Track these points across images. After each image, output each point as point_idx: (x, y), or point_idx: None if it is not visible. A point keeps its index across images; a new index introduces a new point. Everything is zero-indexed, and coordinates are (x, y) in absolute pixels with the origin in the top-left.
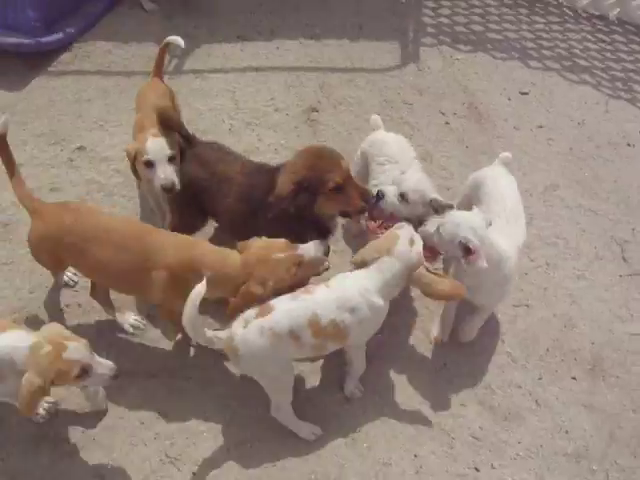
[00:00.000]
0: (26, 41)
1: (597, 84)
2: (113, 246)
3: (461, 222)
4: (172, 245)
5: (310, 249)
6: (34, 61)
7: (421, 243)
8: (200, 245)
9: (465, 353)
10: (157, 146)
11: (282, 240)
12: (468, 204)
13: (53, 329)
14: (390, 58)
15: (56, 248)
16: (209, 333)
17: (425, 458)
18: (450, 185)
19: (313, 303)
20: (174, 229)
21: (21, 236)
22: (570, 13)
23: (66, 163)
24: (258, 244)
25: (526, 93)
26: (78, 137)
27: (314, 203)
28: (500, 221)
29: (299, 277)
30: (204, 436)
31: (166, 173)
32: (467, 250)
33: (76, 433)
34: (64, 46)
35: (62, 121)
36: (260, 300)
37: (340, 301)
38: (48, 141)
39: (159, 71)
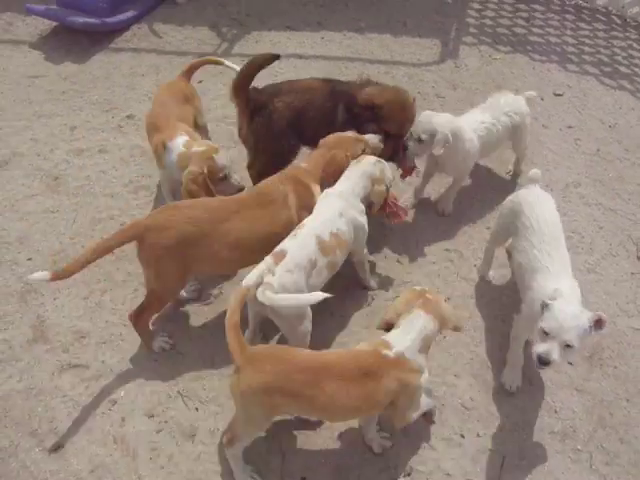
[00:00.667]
0: (93, 21)
1: (635, 90)
2: (243, 220)
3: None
4: (276, 180)
5: (370, 137)
6: (97, 37)
7: (389, 171)
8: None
9: (464, 328)
10: (228, 161)
11: (351, 132)
12: (506, 234)
13: None
14: (429, 54)
15: (183, 252)
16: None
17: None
18: (470, 174)
19: (310, 230)
20: (261, 170)
21: (68, 189)
22: (618, 21)
23: (115, 129)
24: (334, 135)
25: (560, 95)
26: (129, 107)
27: (369, 123)
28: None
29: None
30: (211, 377)
31: (237, 178)
32: (598, 322)
33: (97, 363)
34: (126, 26)
35: (115, 92)
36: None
37: (329, 213)
38: (101, 108)
39: (190, 73)
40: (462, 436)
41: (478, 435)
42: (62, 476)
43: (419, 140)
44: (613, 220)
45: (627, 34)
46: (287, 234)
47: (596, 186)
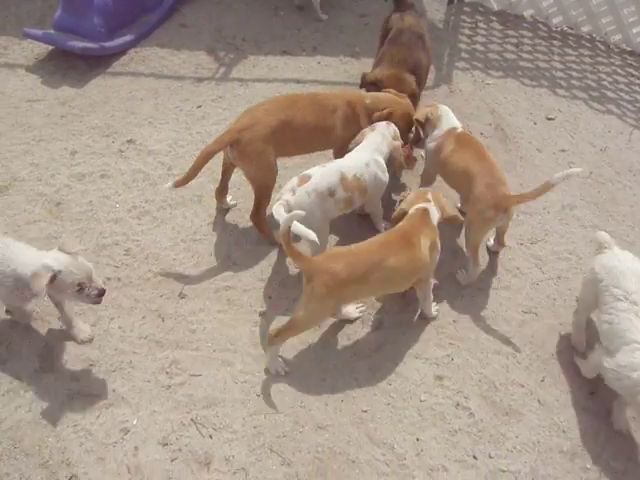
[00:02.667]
0: (91, 45)
1: (622, 114)
2: (300, 111)
3: None
4: (337, 94)
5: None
6: (95, 62)
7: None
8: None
9: (471, 350)
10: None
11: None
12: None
13: None
14: None
15: (274, 140)
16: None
17: (426, 443)
18: None
19: (338, 166)
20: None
21: (71, 214)
22: (602, 47)
23: (116, 153)
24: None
25: (552, 119)
26: (129, 131)
27: None
28: None
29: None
30: (224, 404)
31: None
32: None
33: (107, 391)
34: (123, 51)
35: (115, 116)
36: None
37: (355, 161)
38: (101, 133)
39: None
40: (475, 457)
41: (490, 456)
42: None
43: None
44: None
45: (611, 60)
46: (327, 134)
47: (591, 208)
